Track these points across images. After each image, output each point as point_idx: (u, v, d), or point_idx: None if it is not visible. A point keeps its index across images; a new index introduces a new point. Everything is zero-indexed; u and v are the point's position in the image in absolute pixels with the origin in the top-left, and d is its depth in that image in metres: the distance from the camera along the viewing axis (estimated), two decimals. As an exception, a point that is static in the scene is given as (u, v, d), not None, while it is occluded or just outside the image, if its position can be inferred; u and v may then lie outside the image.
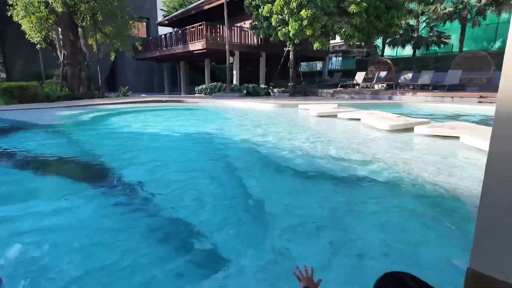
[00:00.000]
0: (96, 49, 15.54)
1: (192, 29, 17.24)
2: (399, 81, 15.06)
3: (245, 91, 16.21)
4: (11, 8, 13.44)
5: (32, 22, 13.33)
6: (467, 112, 8.70)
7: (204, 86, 17.55)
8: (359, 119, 6.85)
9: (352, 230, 2.34)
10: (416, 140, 5.07)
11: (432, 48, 19.84)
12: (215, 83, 17.28)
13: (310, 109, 8.69)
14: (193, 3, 27.61)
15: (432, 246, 2.13)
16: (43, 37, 13.97)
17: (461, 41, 17.60)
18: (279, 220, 2.50)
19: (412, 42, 19.46)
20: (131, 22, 17.44)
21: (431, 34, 19.44)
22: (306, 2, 11.74)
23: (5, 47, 21.81)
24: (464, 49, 17.85)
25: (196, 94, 17.59)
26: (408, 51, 21.27)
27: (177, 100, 13.22)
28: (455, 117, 8.08)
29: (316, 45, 13.05)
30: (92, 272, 1.87)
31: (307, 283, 1.21)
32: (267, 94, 16.80)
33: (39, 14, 13.33)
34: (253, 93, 16.32)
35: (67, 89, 14.14)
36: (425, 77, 13.71)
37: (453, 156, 4.15)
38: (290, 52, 16.47)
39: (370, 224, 2.41)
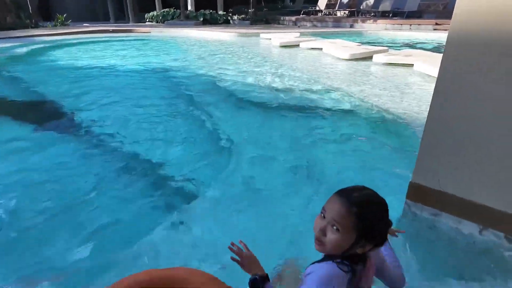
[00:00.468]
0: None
1: None
2: (361, 7, 14.69)
3: (201, 19, 14.95)
4: None
5: None
6: (423, 39, 8.93)
7: (155, 13, 15.82)
8: (321, 49, 6.77)
9: (311, 156, 2.49)
10: (374, 68, 5.20)
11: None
12: (167, 9, 15.61)
13: (272, 39, 8.36)
14: None
15: (382, 165, 2.36)
16: None
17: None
18: (242, 150, 2.57)
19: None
20: None
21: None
22: None
23: None
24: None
25: (147, 22, 15.91)
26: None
27: (126, 29, 11.90)
28: (412, 44, 8.29)
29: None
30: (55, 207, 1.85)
31: (249, 264, 0.90)
32: (226, 22, 15.68)
33: None
34: (211, 21, 15.13)
35: (-11, 18, 11.98)
36: (386, 4, 13.47)
37: (407, 83, 4.36)
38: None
39: (329, 151, 2.57)
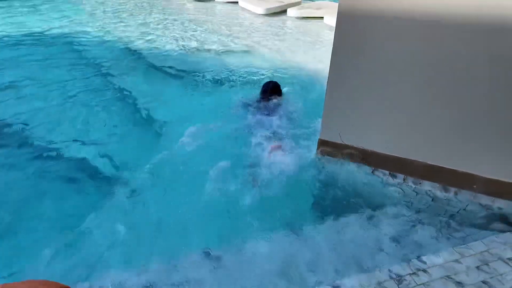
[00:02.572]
0: None
1: None
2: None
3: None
4: None
5: None
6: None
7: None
8: (236, 2, 6.58)
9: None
10: (288, 23, 5.35)
11: None
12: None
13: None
14: None
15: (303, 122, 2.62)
16: None
17: None
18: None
19: None
20: None
21: None
22: None
23: None
24: None
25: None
26: None
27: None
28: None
29: None
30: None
31: None
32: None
33: None
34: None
35: None
36: None
37: (317, 37, 4.64)
38: None
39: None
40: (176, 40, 4.54)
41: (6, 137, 2.50)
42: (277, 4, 5.95)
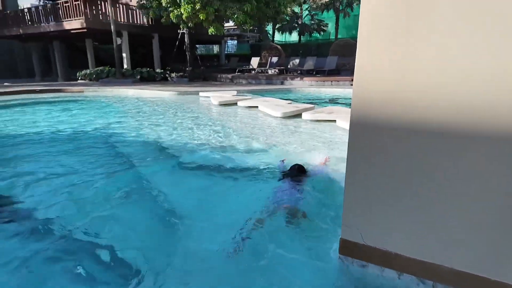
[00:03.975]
0: None
1: (66, 4, 14.78)
2: (289, 66, 16.52)
3: (138, 76, 15.12)
4: None
5: None
6: (343, 94, 10.32)
7: (88, 71, 15.51)
8: (256, 107, 7.37)
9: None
10: (303, 125, 5.84)
11: (314, 35, 22.27)
12: (101, 68, 15.47)
13: (211, 97, 8.82)
14: (63, -30, 23.40)
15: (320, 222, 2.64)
16: None
17: (336, 29, 20.30)
18: (185, 217, 2.65)
19: (298, 29, 21.38)
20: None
21: (312, 22, 21.73)
22: (198, -15, 11.51)
23: None
24: (339, 36, 20.67)
25: (79, 81, 15.44)
26: (294, 37, 23.31)
27: (56, 89, 11.38)
28: (334, 100, 9.51)
29: (210, 30, 13.05)
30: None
31: None
32: (164, 79, 16.08)
33: None
34: (148, 78, 15.38)
35: None
36: (310, 63, 15.42)
37: (331, 138, 4.99)
38: (185, 35, 15.99)
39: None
40: (203, 139, 4.98)
41: (29, 224, 2.61)
42: (293, 109, 6.62)
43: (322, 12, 21.12)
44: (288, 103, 7.46)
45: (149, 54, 18.01)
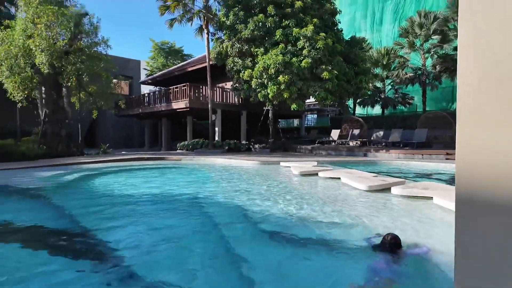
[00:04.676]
0: (79, 108, 15.73)
1: (176, 89, 18.05)
2: (372, 138, 16.07)
3: (226, 147, 16.59)
4: (-5, 68, 13.64)
5: (16, 82, 13.51)
6: (437, 169, 9.34)
7: (186, 142, 17.81)
8: (339, 178, 7.18)
9: None
10: (394, 201, 5.37)
11: (399, 107, 21.68)
12: (197, 140, 17.61)
13: (292, 167, 9.01)
14: (175, 64, 29.22)
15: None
16: (25, 96, 14.06)
17: (424, 102, 19.44)
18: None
19: (381, 103, 21.22)
20: (115, 81, 18.09)
21: (396, 95, 21.40)
22: (283, 69, 12.86)
23: (-19, 104, 21.58)
24: (427, 109, 19.66)
25: (178, 150, 17.72)
26: (377, 110, 23.06)
27: (159, 157, 13.26)
28: (428, 175, 8.64)
29: (293, 106, 13.98)
30: None
31: None
32: (248, 150, 17.24)
33: (24, 75, 13.58)
34: (235, 149, 16.71)
35: (44, 147, 13.86)
36: (395, 135, 14.76)
37: (429, 218, 4.42)
38: (269, 111, 17.43)
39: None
40: (284, 208, 5.00)
41: (119, 269, 2.85)
42: (380, 182, 6.23)
43: (407, 86, 20.79)
44: (374, 176, 7.08)
45: (237, 127, 19.96)
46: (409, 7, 24.20)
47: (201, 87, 18.37)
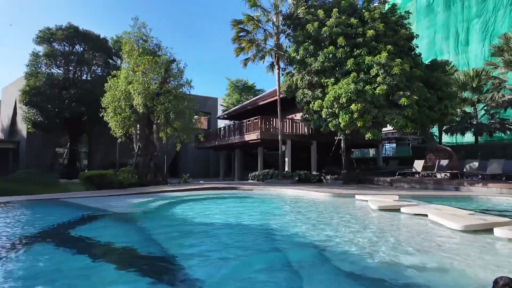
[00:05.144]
0: (165, 141, 17.66)
1: (248, 122, 18.98)
2: (464, 170, 14.08)
3: (296, 178, 16.41)
4: (103, 110, 16.42)
5: (118, 121, 15.99)
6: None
7: (257, 173, 18.24)
8: (426, 215, 6.39)
9: None
10: (499, 244, 4.51)
11: (497, 134, 18.75)
12: (267, 170, 17.90)
13: (369, 201, 8.39)
14: (248, 99, 31.00)
15: None
16: (124, 132, 16.47)
17: (530, 127, 16.49)
18: None
19: (473, 129, 18.69)
20: (195, 117, 19.95)
21: (492, 121, 18.63)
22: (355, 97, 12.49)
23: (91, 140, 25.93)
24: (535, 135, 16.56)
25: (250, 180, 18.22)
26: (468, 138, 20.32)
27: (232, 187, 13.79)
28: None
29: (367, 135, 13.28)
30: None
31: None
32: (319, 181, 16.74)
33: (124, 115, 16.03)
34: (305, 180, 16.41)
35: (136, 177, 15.76)
36: (495, 166, 12.66)
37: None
38: (341, 141, 16.86)
39: None
40: (361, 246, 4.62)
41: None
42: (478, 222, 5.34)
43: (505, 110, 18.00)
44: (470, 214, 6.11)
45: (307, 158, 19.73)
46: (501, 23, 21.57)
47: (271, 119, 18.96)
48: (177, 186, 14.43)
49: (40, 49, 23.20)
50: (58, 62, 23.35)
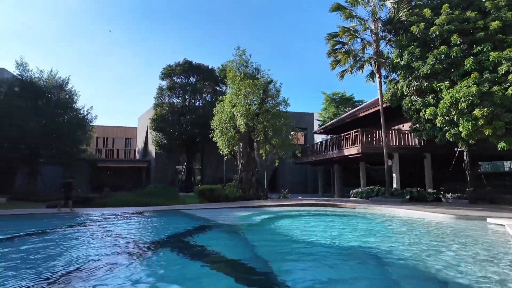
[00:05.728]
0: (265, 158, 18.49)
1: (347, 136, 18.16)
2: None
3: (408, 196, 14.68)
4: (212, 131, 18.40)
5: (224, 140, 17.66)
6: None
7: (360, 189, 17.12)
8: None
9: None
10: None
11: None
12: (371, 187, 16.60)
13: (506, 226, 6.83)
14: (346, 112, 29.83)
15: None
16: (229, 150, 18.03)
17: None
18: None
19: None
20: (292, 133, 20.31)
21: None
22: (478, 101, 10.55)
23: (203, 158, 29.27)
24: None
25: (351, 198, 17.22)
26: None
27: (333, 204, 13.30)
28: None
29: (500, 145, 10.93)
30: None
31: None
32: (437, 200, 14.56)
33: (229, 134, 17.61)
34: (418, 198, 14.53)
35: (240, 191, 16.91)
36: None
37: None
38: (464, 152, 14.36)
39: None
40: (502, 284, 3.76)
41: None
42: None
43: None
44: None
45: (419, 173, 17.45)
46: None
47: (374, 131, 17.65)
48: (277, 201, 14.80)
49: (164, 83, 27.90)
50: (177, 93, 27.57)
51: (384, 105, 15.85)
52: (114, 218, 9.77)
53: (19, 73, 21.03)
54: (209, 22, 66.50)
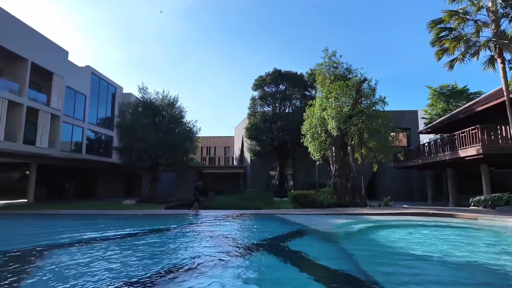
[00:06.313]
0: (361, 162, 17.43)
1: (462, 134, 15.59)
2: None
3: (554, 207, 11.63)
4: (303, 136, 18.40)
5: (315, 145, 17.42)
6: None
7: (482, 197, 14.41)
8: None
9: None
10: None
11: None
12: (499, 194, 13.76)
13: None
14: (459, 107, 25.68)
15: None
16: (321, 155, 17.68)
17: None
18: None
19: None
20: (392, 134, 18.57)
21: None
22: None
23: (295, 163, 29.50)
24: None
25: (471, 207, 14.62)
26: None
27: (447, 213, 11.55)
28: None
29: None
30: None
31: None
32: None
33: (320, 139, 17.28)
34: None
35: (335, 197, 16.32)
36: None
37: None
38: None
39: None
40: None
41: None
42: None
43: None
44: None
45: None
46: None
47: (498, 128, 14.66)
48: (377, 209, 13.72)
49: (256, 93, 29.39)
50: (268, 102, 28.69)
51: (511, 95, 13.06)
52: (223, 220, 10.75)
53: (141, 96, 25.32)
54: (299, 30, 67.28)
